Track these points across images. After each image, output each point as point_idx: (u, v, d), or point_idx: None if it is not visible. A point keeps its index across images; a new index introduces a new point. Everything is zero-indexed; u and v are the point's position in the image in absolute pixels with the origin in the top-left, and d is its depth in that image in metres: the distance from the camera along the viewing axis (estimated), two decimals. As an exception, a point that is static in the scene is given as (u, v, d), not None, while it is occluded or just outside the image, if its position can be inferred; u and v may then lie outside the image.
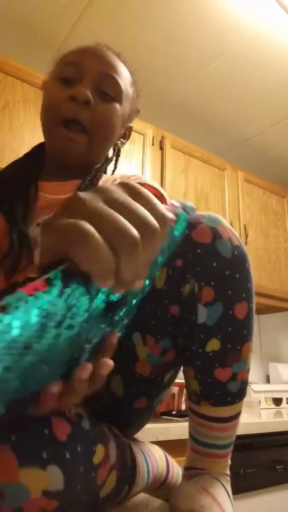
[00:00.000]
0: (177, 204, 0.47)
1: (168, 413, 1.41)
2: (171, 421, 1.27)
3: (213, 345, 0.53)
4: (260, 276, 2.12)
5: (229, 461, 0.60)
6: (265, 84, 1.92)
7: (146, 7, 1.54)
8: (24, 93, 1.49)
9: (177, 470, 0.64)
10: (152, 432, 1.11)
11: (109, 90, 0.69)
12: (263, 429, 1.36)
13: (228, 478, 0.58)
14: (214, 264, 0.52)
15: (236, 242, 0.54)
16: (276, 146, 2.40)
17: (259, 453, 1.35)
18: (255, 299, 0.58)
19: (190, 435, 0.59)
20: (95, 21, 1.60)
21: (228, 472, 0.59)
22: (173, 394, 1.44)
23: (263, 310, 2.46)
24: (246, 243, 2.10)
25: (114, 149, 0.77)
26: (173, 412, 1.41)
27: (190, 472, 0.58)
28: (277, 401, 1.95)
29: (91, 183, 0.68)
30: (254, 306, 0.56)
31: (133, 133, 1.79)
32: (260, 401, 1.83)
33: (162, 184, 1.84)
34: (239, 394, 0.56)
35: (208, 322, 0.52)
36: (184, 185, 1.93)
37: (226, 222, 0.55)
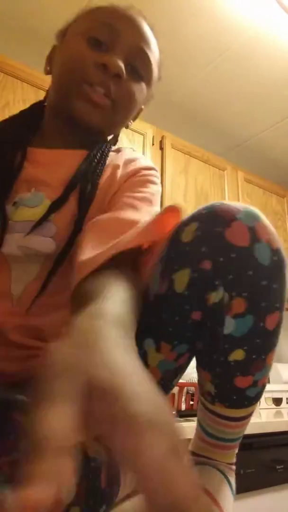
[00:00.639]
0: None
1: (168, 413, 1.41)
2: (171, 421, 1.27)
3: (237, 355, 0.47)
4: (260, 276, 2.11)
5: (236, 450, 0.57)
6: (265, 84, 1.92)
7: (145, 7, 1.54)
8: (24, 93, 1.49)
9: None
10: (152, 432, 1.11)
11: (140, 68, 0.64)
12: (263, 429, 1.36)
13: (233, 467, 0.57)
14: (250, 272, 0.44)
15: (275, 245, 0.46)
16: (276, 146, 2.39)
17: (259, 453, 1.35)
18: None
19: (199, 423, 0.56)
20: (95, 21, 1.60)
21: (234, 460, 0.57)
22: (173, 394, 1.44)
23: (263, 310, 2.45)
24: (246, 243, 2.10)
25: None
26: (173, 412, 1.41)
27: (195, 459, 0.56)
28: (277, 401, 1.95)
29: (96, 158, 0.62)
30: (284, 311, 0.50)
31: (133, 133, 1.79)
32: (260, 401, 1.83)
33: (162, 184, 1.84)
34: (257, 397, 0.52)
35: (235, 333, 0.46)
36: (184, 185, 1.93)
37: (265, 219, 0.48)
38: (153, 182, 0.66)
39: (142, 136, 1.82)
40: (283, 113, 2.12)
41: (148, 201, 0.60)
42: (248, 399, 0.51)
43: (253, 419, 1.43)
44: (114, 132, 0.68)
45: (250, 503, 1.28)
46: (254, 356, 0.48)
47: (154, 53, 0.67)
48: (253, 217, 0.46)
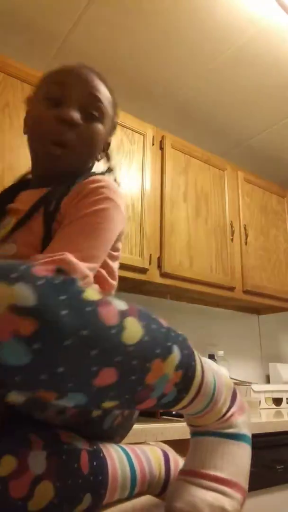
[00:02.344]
0: None
1: (168, 413, 1.41)
2: (171, 421, 1.27)
3: (109, 404, 0.43)
4: (260, 276, 2.12)
5: (222, 402, 0.54)
6: (265, 84, 1.92)
7: (146, 7, 1.54)
8: (24, 93, 1.48)
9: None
10: (152, 432, 1.11)
11: (93, 111, 0.74)
12: (263, 429, 1.36)
13: (224, 418, 0.54)
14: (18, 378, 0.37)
15: (28, 331, 0.35)
16: (276, 146, 2.40)
17: (259, 453, 1.35)
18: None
19: None
20: (95, 21, 1.60)
21: (224, 410, 0.54)
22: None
23: (263, 310, 2.46)
24: (246, 243, 2.10)
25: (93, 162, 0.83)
26: (173, 412, 1.41)
27: (194, 439, 0.55)
28: (277, 401, 1.95)
29: (67, 189, 0.69)
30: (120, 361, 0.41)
31: (133, 133, 1.79)
32: (260, 401, 1.83)
33: (162, 184, 1.84)
34: (180, 394, 0.47)
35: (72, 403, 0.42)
36: (184, 185, 1.93)
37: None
38: (97, 203, 0.67)
39: (142, 136, 1.82)
40: (283, 113, 2.12)
41: (79, 225, 0.64)
42: (169, 405, 0.48)
43: (253, 419, 1.43)
44: (85, 167, 0.78)
45: (250, 503, 1.28)
46: (127, 397, 0.43)
47: (104, 95, 0.76)
48: None
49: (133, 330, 0.41)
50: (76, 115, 0.70)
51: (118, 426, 0.61)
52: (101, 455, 0.53)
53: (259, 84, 1.93)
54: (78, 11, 1.56)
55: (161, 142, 1.90)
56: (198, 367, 0.50)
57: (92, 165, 0.81)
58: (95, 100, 0.74)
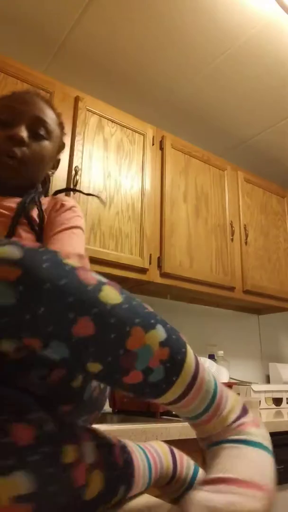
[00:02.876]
0: None
1: (168, 413, 1.41)
2: (171, 421, 1.27)
3: (94, 367, 0.44)
4: (260, 276, 2.12)
5: (229, 409, 0.53)
6: (266, 84, 1.92)
7: (146, 7, 1.54)
8: (24, 93, 1.49)
9: (186, 463, 0.64)
10: (152, 432, 1.11)
11: (40, 131, 0.86)
12: (263, 429, 1.36)
13: (233, 425, 0.53)
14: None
15: (11, 276, 0.41)
16: (276, 146, 2.40)
17: (259, 453, 1.35)
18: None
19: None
20: (95, 21, 1.60)
21: (231, 417, 0.53)
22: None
23: (263, 310, 2.46)
24: (246, 243, 2.10)
25: (45, 178, 0.96)
26: (173, 412, 1.41)
27: (209, 450, 0.53)
28: (277, 401, 1.95)
29: (32, 201, 0.84)
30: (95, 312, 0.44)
31: (133, 133, 1.79)
32: (260, 401, 1.83)
33: (162, 184, 1.84)
34: (169, 375, 0.47)
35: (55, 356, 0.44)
36: (184, 185, 1.93)
37: None
38: (69, 216, 0.86)
39: (142, 136, 1.82)
40: (283, 113, 2.12)
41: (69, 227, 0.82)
42: (157, 386, 0.46)
43: (253, 419, 1.43)
44: (34, 182, 0.90)
45: (250, 503, 1.28)
46: (110, 359, 0.44)
47: (49, 116, 0.89)
48: None
49: (111, 295, 0.45)
50: (24, 134, 0.82)
51: (97, 398, 0.62)
52: (128, 449, 0.55)
53: (259, 84, 1.93)
54: (78, 11, 1.56)
55: (161, 142, 1.90)
56: (190, 356, 0.49)
57: (47, 179, 0.96)
58: (41, 120, 0.86)
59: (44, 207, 0.88)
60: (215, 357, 1.99)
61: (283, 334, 2.65)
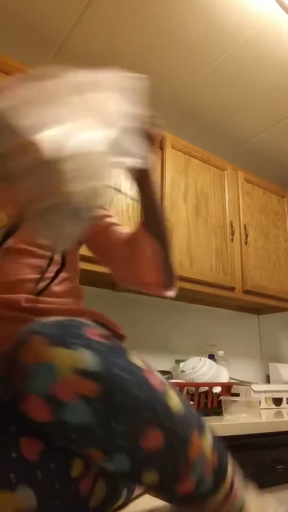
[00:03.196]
0: None
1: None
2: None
3: (149, 477, 0.43)
4: (260, 276, 2.12)
5: (236, 501, 0.51)
6: (266, 84, 1.92)
7: (146, 7, 1.54)
8: (24, 93, 1.48)
9: None
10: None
11: None
12: (263, 429, 1.36)
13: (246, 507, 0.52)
14: (74, 435, 0.41)
15: (84, 391, 0.39)
16: (276, 146, 2.39)
17: (259, 453, 1.35)
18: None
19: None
20: (95, 21, 1.60)
21: (238, 506, 0.52)
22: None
23: (263, 310, 2.46)
24: (246, 243, 2.10)
25: None
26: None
27: None
28: (277, 401, 1.95)
29: None
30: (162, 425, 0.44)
31: (133, 133, 1.79)
32: (260, 401, 1.83)
33: (162, 184, 1.84)
34: (216, 483, 0.46)
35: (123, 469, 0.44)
36: (184, 185, 1.93)
37: (63, 366, 0.39)
38: None
39: (142, 136, 1.82)
40: (283, 113, 2.12)
41: None
42: (206, 493, 0.46)
43: (253, 419, 1.43)
44: None
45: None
46: (168, 471, 0.43)
47: None
48: (45, 377, 0.39)
49: (176, 400, 0.45)
50: None
51: None
52: None
53: (259, 84, 1.93)
54: (78, 11, 1.56)
55: (161, 142, 1.90)
56: (230, 459, 0.50)
57: None
58: None
59: None
60: (215, 357, 1.99)
61: (283, 334, 2.65)
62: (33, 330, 0.41)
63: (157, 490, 0.46)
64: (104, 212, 0.80)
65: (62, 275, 0.67)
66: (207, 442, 0.46)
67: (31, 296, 0.61)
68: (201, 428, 0.46)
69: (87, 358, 0.39)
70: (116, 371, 0.40)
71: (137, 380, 0.42)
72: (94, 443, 0.40)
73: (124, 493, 0.51)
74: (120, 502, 0.50)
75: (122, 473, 0.43)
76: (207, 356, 1.99)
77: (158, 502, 0.59)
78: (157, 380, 0.44)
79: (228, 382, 1.81)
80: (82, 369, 0.38)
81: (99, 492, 0.46)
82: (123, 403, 0.40)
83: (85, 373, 0.38)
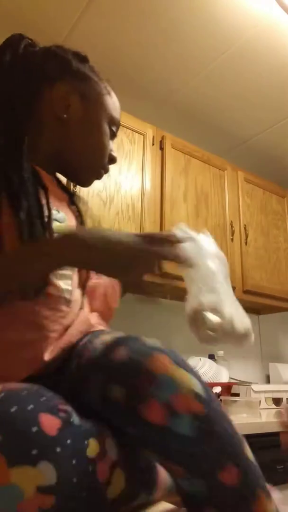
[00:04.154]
0: None
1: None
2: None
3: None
4: (260, 276, 2.11)
5: None
6: (266, 84, 1.92)
7: (146, 7, 1.54)
8: (24, 93, 1.48)
9: None
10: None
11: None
12: (263, 429, 1.36)
13: None
14: (175, 445, 0.47)
15: (195, 408, 0.47)
16: (276, 146, 2.39)
17: (259, 453, 1.34)
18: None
19: None
20: (95, 21, 1.60)
21: None
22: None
23: (263, 310, 2.46)
24: (246, 243, 2.10)
25: None
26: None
27: None
28: (277, 401, 1.95)
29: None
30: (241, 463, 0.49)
31: (133, 133, 1.79)
32: (260, 401, 1.83)
33: (162, 184, 1.84)
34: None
35: (199, 495, 0.48)
36: (184, 185, 1.93)
37: (183, 383, 0.48)
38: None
39: (142, 136, 1.82)
40: (283, 113, 2.12)
41: None
42: None
43: (253, 419, 1.43)
44: None
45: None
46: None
47: None
48: (169, 389, 0.47)
49: (249, 450, 0.51)
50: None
51: None
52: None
53: (259, 84, 1.93)
54: (78, 11, 1.56)
55: (161, 142, 1.90)
56: None
57: None
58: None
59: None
60: (215, 357, 1.99)
61: (283, 334, 2.65)
62: (153, 347, 0.50)
63: None
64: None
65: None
66: (271, 506, 0.49)
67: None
68: (267, 491, 0.49)
69: (197, 384, 0.48)
70: (215, 402, 0.48)
71: (225, 415, 0.49)
72: (183, 457, 0.46)
73: (143, 495, 0.51)
74: (137, 503, 0.50)
75: (194, 496, 0.47)
76: (207, 356, 1.99)
77: (174, 509, 0.58)
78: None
79: (228, 382, 1.81)
80: (195, 392, 0.47)
81: (117, 484, 0.47)
82: (217, 430, 0.46)
83: (196, 395, 0.46)
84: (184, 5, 1.53)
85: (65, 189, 0.79)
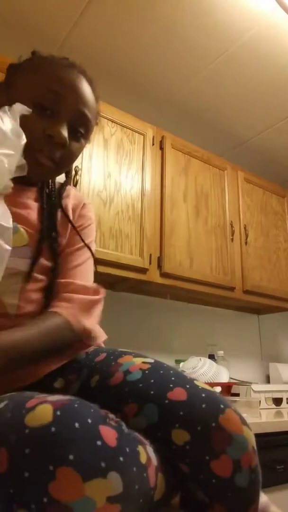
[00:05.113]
0: None
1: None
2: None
3: None
4: (260, 276, 2.12)
5: None
6: (265, 84, 1.92)
7: (146, 7, 1.54)
8: (24, 93, 1.48)
9: None
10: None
11: (82, 129, 0.74)
12: (263, 429, 1.36)
13: None
14: (229, 494, 0.52)
15: (254, 463, 0.53)
16: (276, 146, 2.40)
17: (259, 453, 1.34)
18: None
19: None
20: (95, 21, 1.60)
21: None
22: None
23: (263, 310, 2.46)
24: (246, 243, 2.10)
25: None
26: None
27: None
28: (277, 401, 1.95)
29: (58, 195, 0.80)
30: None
31: (133, 133, 1.79)
32: (260, 401, 1.83)
33: (162, 184, 1.84)
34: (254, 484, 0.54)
35: None
36: (184, 185, 1.93)
37: (252, 441, 0.55)
38: (90, 218, 0.86)
39: (142, 136, 1.82)
40: (283, 113, 2.12)
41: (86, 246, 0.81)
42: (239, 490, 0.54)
43: (253, 419, 1.43)
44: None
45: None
46: None
47: (92, 110, 0.76)
48: (242, 448, 0.52)
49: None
50: (66, 136, 0.70)
51: None
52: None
53: (259, 84, 1.93)
54: (78, 11, 1.56)
55: (161, 142, 1.90)
56: None
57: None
58: (84, 118, 0.74)
59: (67, 202, 0.82)
60: (215, 357, 1.99)
61: (283, 334, 2.65)
62: (223, 402, 0.55)
63: (190, 460, 0.53)
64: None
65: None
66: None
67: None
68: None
69: (254, 438, 0.54)
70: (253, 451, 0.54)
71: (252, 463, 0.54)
72: (229, 501, 0.51)
73: (173, 499, 0.54)
74: (169, 502, 0.53)
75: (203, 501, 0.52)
76: (207, 356, 1.99)
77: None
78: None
79: (228, 382, 1.81)
80: (254, 447, 0.53)
81: (160, 488, 0.49)
82: (260, 480, 0.53)
83: (255, 451, 0.53)
84: (184, 5, 1.53)
85: (27, 183, 0.75)
